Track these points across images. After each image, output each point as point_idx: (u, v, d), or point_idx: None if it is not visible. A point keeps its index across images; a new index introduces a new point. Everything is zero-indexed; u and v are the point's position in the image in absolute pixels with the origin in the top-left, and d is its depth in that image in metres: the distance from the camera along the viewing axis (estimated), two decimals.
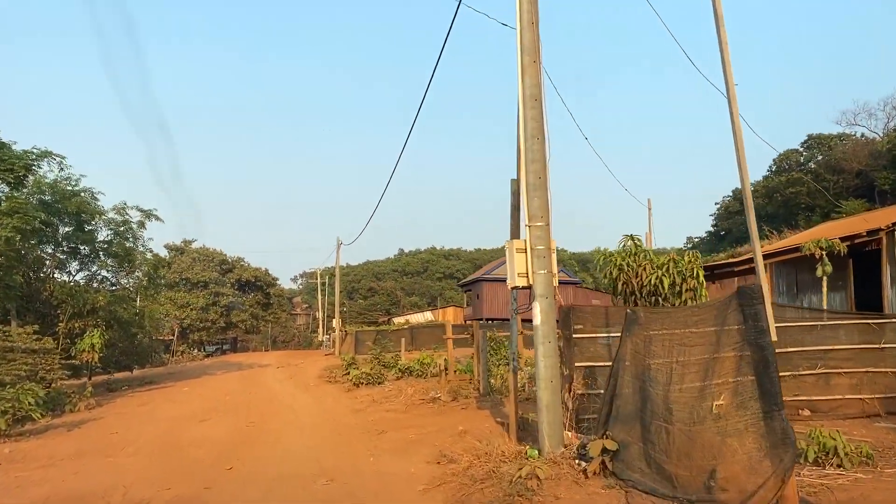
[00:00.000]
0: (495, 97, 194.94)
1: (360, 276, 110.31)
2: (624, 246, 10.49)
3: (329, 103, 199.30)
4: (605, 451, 6.81)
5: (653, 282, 9.87)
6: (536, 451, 7.88)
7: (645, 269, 10.01)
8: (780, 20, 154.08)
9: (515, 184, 10.24)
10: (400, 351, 27.06)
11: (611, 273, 10.25)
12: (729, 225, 77.19)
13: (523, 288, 8.23)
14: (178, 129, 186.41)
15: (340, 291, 50.53)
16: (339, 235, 50.85)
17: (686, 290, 10.08)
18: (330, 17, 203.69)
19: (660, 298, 10.01)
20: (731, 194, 80.00)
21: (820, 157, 71.70)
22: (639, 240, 10.45)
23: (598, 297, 56.00)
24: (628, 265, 10.04)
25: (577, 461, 7.30)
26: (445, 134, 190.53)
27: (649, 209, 25.29)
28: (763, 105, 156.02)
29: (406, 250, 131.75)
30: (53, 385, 18.62)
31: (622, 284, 10.10)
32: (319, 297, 66.82)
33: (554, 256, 8.12)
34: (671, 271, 9.92)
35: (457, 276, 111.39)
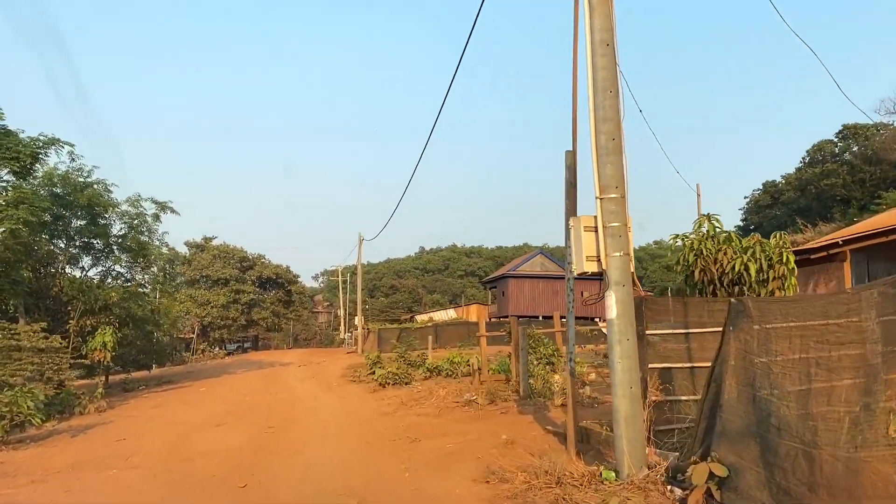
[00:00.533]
0: (517, 89, 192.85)
1: (382, 273, 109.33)
2: (699, 227, 9.00)
3: (348, 98, 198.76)
4: (710, 476, 5.37)
5: (736, 268, 8.37)
6: (613, 473, 6.46)
7: (726, 253, 8.52)
8: (812, 4, 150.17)
9: (570, 156, 8.83)
10: (426, 349, 25.68)
11: (685, 259, 8.77)
12: (759, 219, 74.81)
13: (593, 275, 6.81)
14: (193, 125, 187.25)
15: (362, 289, 49.35)
16: (360, 231, 49.66)
17: (773, 279, 8.58)
18: (352, 5, 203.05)
19: (744, 288, 8.52)
20: (760, 187, 77.63)
21: (856, 148, 69.21)
22: (717, 220, 8.96)
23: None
24: (707, 249, 8.56)
25: (668, 487, 5.88)
26: (466, 129, 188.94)
27: (698, 195, 23.64)
28: (795, 92, 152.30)
29: (427, 248, 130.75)
30: (63, 386, 17.56)
31: (699, 272, 8.62)
32: (341, 294, 65.78)
33: (631, 235, 6.68)
34: (758, 256, 8.42)
35: (478, 273, 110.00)
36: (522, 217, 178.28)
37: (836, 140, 71.69)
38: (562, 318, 20.33)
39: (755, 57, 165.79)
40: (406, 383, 19.33)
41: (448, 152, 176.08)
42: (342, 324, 65.18)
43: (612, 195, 6.61)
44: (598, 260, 6.66)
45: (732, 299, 5.86)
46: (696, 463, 5.56)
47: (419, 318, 63.64)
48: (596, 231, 6.69)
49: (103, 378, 26.86)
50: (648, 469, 6.31)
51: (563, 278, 53.86)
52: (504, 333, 17.38)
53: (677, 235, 9.25)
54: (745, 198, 75.80)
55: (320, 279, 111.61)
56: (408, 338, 34.41)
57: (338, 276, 67.78)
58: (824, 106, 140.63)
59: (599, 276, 6.88)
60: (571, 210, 8.61)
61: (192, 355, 50.28)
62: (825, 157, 72.30)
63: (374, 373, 21.30)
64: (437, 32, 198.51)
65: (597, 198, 6.65)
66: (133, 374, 28.65)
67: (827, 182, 67.66)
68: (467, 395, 14.46)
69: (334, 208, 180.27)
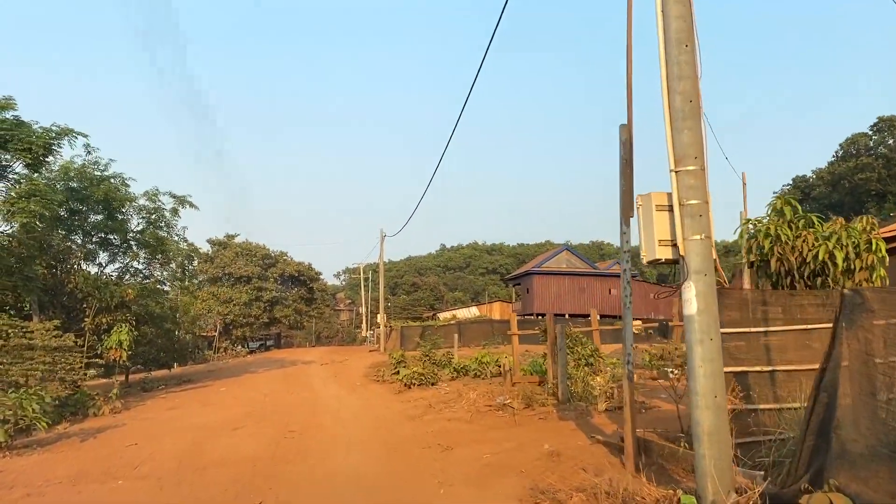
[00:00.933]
0: (538, 78, 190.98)
1: (403, 271, 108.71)
2: (773, 211, 7.89)
3: (370, 96, 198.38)
4: None
5: (820, 256, 7.26)
6: (693, 498, 5.42)
7: (806, 240, 7.41)
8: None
9: (625, 130, 7.78)
10: (452, 347, 24.70)
11: (760, 246, 7.67)
12: None
13: (667, 262, 5.77)
14: (222, 121, 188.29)
15: (384, 287, 48.50)
16: (382, 227, 48.78)
17: (860, 269, 7.46)
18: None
19: (827, 279, 7.41)
20: (790, 183, 75.59)
21: (892, 141, 67.04)
22: (794, 201, 7.84)
23: (656, 289, 52.60)
24: (784, 235, 7.45)
25: None
26: (488, 126, 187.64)
27: (744, 184, 22.32)
28: (829, 85, 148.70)
29: (448, 245, 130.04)
30: (78, 386, 16.84)
31: (776, 261, 7.52)
32: (363, 291, 65.08)
33: (712, 215, 5.63)
34: (844, 242, 7.30)
35: (500, 271, 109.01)
36: (544, 214, 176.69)
37: (870, 133, 69.59)
38: (600, 316, 19.24)
39: (782, 50, 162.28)
40: (432, 384, 18.41)
41: (469, 149, 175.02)
42: (364, 321, 64.48)
43: (690, 167, 5.55)
44: (674, 245, 5.62)
45: (846, 290, 4.80)
46: (809, 492, 4.51)
47: (442, 315, 62.70)
48: (670, 210, 5.66)
49: (123, 377, 26.36)
50: (738, 494, 5.25)
51: (590, 275, 52.75)
52: (539, 332, 16.31)
53: (748, 220, 8.14)
54: (774, 193, 73.95)
55: (342, 277, 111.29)
56: (432, 336, 33.50)
57: (360, 274, 67.11)
58: (857, 98, 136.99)
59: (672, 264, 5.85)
60: (627, 191, 7.56)
61: (215, 353, 49.83)
62: (859, 151, 70.23)
63: (398, 372, 20.39)
64: (463, 24, 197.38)
65: (671, 171, 5.61)
66: (153, 373, 28.10)
67: (861, 176, 65.61)
68: (500, 399, 13.44)
69: (356, 206, 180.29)
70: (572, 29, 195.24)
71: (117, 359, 18.78)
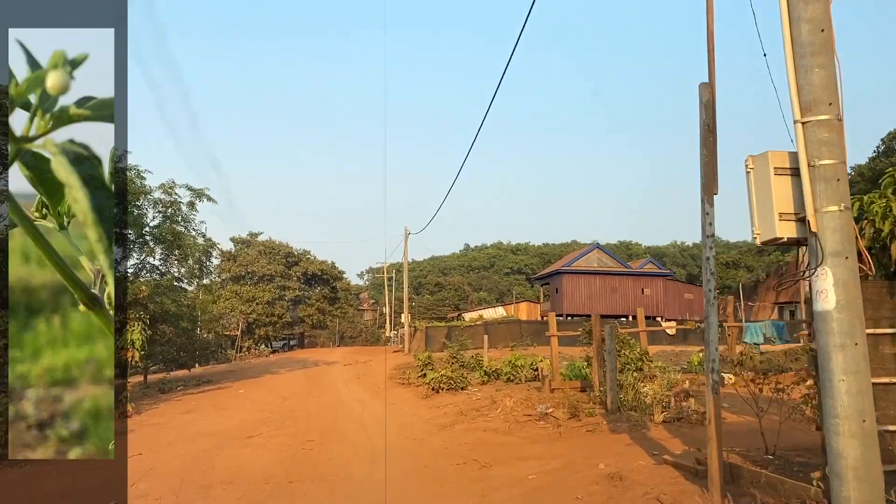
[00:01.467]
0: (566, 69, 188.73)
1: (427, 271, 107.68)
2: (890, 187, 6.46)
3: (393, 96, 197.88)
4: None
5: None
6: None
7: None
8: None
9: (707, 89, 6.44)
10: (481, 349, 23.43)
11: (877, 229, 6.26)
12: None
13: (789, 242, 4.43)
14: (242, 121, 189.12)
15: (407, 286, 47.37)
16: (406, 226, 47.72)
17: None
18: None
19: None
20: None
21: None
22: None
23: (690, 290, 50.76)
24: None
25: None
26: (512, 125, 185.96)
27: None
28: (868, 75, 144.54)
29: (472, 245, 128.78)
30: None
31: None
32: (386, 291, 64.11)
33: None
34: None
35: (525, 271, 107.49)
36: (571, 214, 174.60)
37: None
38: (633, 317, 17.85)
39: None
40: (461, 388, 17.18)
41: (494, 148, 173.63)
42: (388, 321, 63.47)
43: (823, 116, 4.22)
44: (800, 219, 4.29)
45: None
46: None
47: (468, 315, 61.39)
48: (794, 174, 4.33)
49: (141, 378, 25.48)
50: None
51: (622, 274, 51.01)
52: (581, 333, 14.98)
53: (858, 197, 6.70)
54: None
55: (365, 277, 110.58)
56: (459, 336, 32.27)
57: (383, 273, 66.17)
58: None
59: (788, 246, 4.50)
60: (710, 162, 6.22)
61: (237, 353, 49.09)
62: None
63: (424, 375, 19.18)
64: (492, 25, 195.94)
65: (796, 121, 4.27)
66: (172, 373, 27.21)
67: None
68: (541, 407, 12.12)
69: (380, 205, 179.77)
70: (598, 24, 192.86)
71: (130, 359, 17.79)
